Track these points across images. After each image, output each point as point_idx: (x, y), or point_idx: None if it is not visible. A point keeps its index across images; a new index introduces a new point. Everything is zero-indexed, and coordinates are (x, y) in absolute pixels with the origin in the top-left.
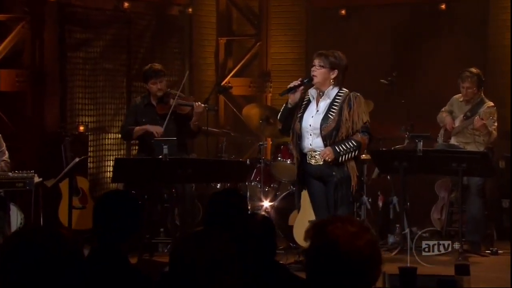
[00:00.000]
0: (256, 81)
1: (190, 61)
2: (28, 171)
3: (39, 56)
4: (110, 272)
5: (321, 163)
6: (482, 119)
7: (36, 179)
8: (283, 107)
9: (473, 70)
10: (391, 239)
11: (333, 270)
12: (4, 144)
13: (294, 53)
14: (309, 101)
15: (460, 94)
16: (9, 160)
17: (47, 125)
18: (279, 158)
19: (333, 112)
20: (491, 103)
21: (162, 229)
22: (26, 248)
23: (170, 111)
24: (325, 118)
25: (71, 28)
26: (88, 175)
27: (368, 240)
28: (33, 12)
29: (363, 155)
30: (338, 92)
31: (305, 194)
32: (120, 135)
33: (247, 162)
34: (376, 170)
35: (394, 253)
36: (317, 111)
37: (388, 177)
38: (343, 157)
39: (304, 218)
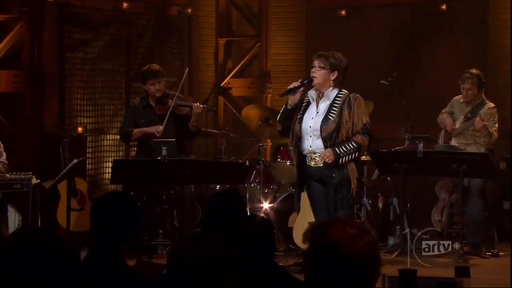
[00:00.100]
0: (256, 82)
1: (190, 61)
2: (26, 172)
3: (37, 56)
4: (108, 274)
5: (321, 165)
6: (482, 120)
7: (34, 181)
8: (282, 108)
9: (473, 71)
10: (391, 241)
11: (332, 272)
12: (2, 145)
13: (294, 54)
14: (308, 103)
15: (460, 95)
16: (6, 162)
17: (46, 126)
18: (279, 160)
19: (333, 113)
20: (492, 104)
21: (161, 231)
22: (23, 250)
23: (169, 112)
24: (325, 119)
25: (70, 28)
26: (86, 177)
27: (367, 242)
28: (32, 12)
29: (363, 157)
30: (338, 93)
31: (304, 196)
32: (118, 136)
33: (247, 163)
34: (376, 172)
35: (394, 255)
36: (317, 112)
37: (388, 178)
38: (343, 158)
39: (303, 220)
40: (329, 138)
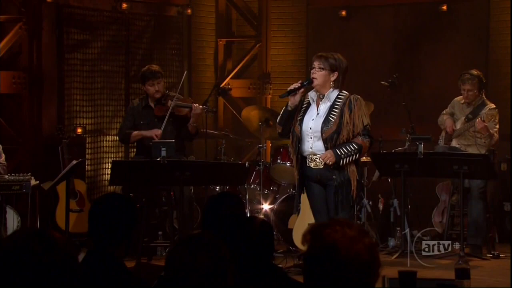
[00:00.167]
0: (256, 82)
1: (189, 62)
2: (25, 173)
3: (36, 57)
4: (105, 276)
5: (321, 166)
6: (483, 121)
7: (33, 182)
8: (283, 110)
9: (474, 72)
10: (391, 242)
11: (330, 274)
12: (1, 146)
13: (294, 55)
14: (309, 104)
15: (461, 96)
16: (5, 163)
17: (44, 127)
18: (279, 161)
19: (334, 115)
20: (493, 105)
21: (160, 233)
22: (17, 253)
23: (168, 112)
24: (326, 121)
25: (69, 29)
26: (85, 178)
27: (366, 243)
28: (30, 13)
29: (363, 158)
30: (339, 94)
31: (304, 197)
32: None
33: (246, 164)
34: (377, 173)
35: (394, 256)
36: (318, 114)
37: (389, 179)
38: (344, 160)
39: (303, 221)
40: (330, 139)
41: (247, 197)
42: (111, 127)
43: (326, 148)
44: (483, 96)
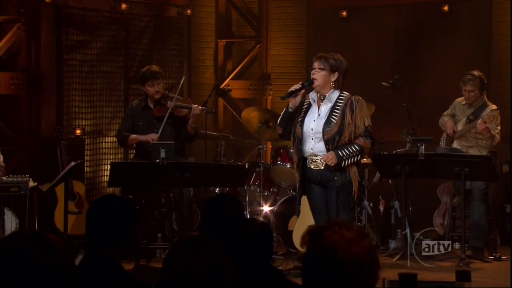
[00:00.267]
0: (256, 83)
1: (189, 63)
2: (23, 175)
3: (35, 58)
4: (103, 277)
5: (322, 167)
6: (485, 122)
7: (31, 184)
8: (283, 111)
9: (475, 73)
10: (392, 244)
11: (329, 276)
12: None
13: (295, 55)
14: (309, 105)
15: (462, 97)
16: (3, 164)
17: (43, 129)
18: (279, 162)
19: (335, 116)
20: (494, 106)
21: (159, 234)
22: (15, 254)
23: (167, 113)
24: (328, 122)
25: (68, 30)
26: (84, 180)
27: (365, 246)
28: (29, 13)
29: (364, 159)
30: (340, 95)
31: (305, 199)
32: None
33: (246, 166)
34: (378, 174)
35: (395, 258)
36: (319, 115)
37: (390, 181)
38: (346, 161)
39: (304, 223)
40: (332, 140)
41: (247, 198)
42: (110, 128)
43: (328, 149)
44: (485, 97)
